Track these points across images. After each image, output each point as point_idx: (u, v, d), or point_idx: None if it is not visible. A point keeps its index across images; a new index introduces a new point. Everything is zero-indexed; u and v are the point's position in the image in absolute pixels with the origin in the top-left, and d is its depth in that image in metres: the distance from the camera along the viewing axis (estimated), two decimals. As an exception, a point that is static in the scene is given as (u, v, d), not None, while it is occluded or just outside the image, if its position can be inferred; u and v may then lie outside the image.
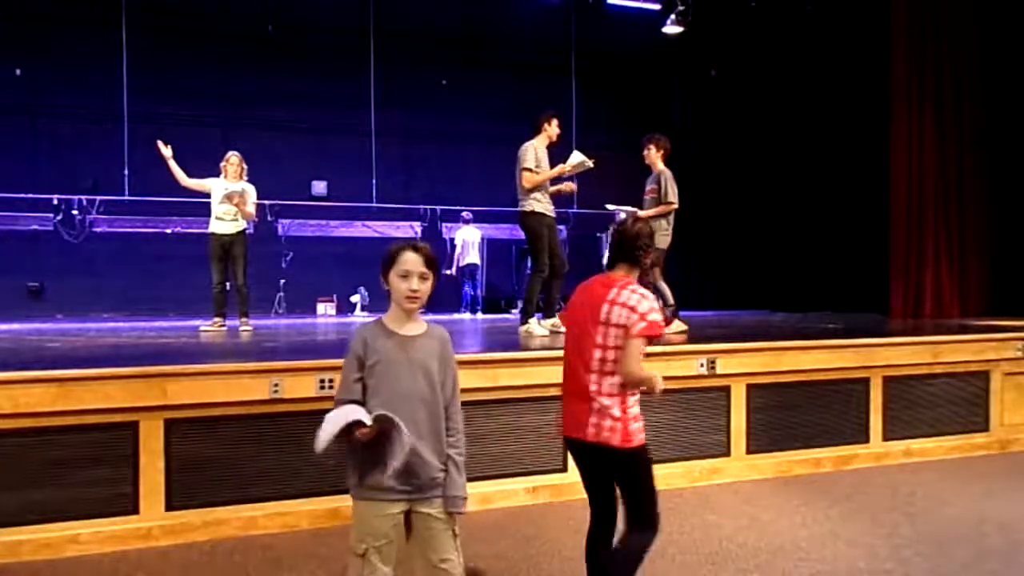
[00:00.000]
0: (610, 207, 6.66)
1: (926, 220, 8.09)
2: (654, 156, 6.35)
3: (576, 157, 5.91)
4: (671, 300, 6.24)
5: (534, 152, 5.84)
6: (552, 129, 6.00)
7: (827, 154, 10.34)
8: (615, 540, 2.59)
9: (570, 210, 12.04)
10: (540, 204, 5.85)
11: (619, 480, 2.58)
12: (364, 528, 2.21)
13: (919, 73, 8.14)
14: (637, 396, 2.56)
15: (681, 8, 11.09)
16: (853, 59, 9.72)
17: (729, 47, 12.19)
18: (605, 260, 11.99)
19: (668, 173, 6.23)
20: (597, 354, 2.53)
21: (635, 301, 2.54)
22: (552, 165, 5.94)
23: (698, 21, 11.35)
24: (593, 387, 2.51)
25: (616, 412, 2.49)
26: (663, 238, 6.19)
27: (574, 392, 2.58)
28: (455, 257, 11.66)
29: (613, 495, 2.60)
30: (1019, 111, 8.10)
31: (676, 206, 6.19)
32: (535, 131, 6.00)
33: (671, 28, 11.39)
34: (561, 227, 11.62)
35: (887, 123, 8.36)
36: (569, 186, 6.17)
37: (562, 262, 6.02)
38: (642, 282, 2.81)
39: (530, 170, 5.80)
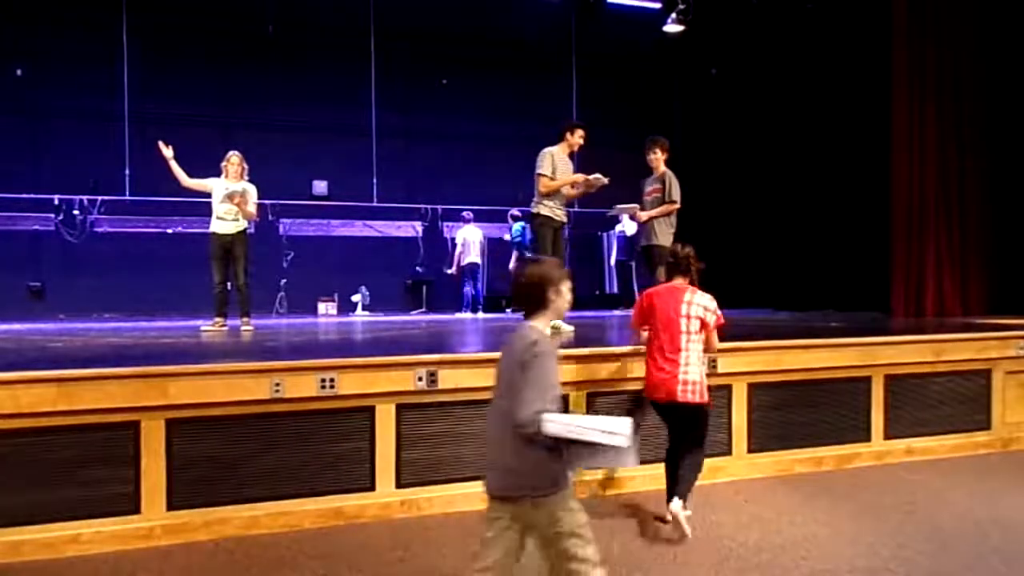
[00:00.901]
0: (616, 208, 6.67)
1: (927, 219, 8.08)
2: (657, 158, 6.38)
3: (595, 175, 6.05)
4: None
5: (551, 159, 6.01)
6: (574, 139, 6.16)
7: (828, 153, 10.32)
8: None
9: (570, 209, 12.04)
10: (547, 208, 6.03)
11: (693, 424, 3.68)
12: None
13: (919, 72, 8.13)
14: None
15: (681, 7, 11.09)
16: (853, 58, 9.70)
17: (729, 46, 12.18)
18: (613, 260, 12.08)
19: (671, 174, 6.28)
20: (683, 339, 3.64)
21: (707, 300, 3.72)
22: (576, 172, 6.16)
23: (698, 20, 11.35)
24: (683, 363, 3.60)
25: (701, 379, 3.64)
26: (667, 236, 6.22)
27: (663, 369, 3.64)
28: (455, 256, 11.64)
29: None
30: (1020, 110, 8.09)
31: (679, 206, 6.23)
32: (559, 138, 6.17)
33: (671, 27, 11.39)
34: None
35: (888, 122, 8.35)
36: (599, 179, 6.16)
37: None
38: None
39: (544, 175, 5.97)
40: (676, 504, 3.51)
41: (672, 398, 3.59)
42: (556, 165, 6.02)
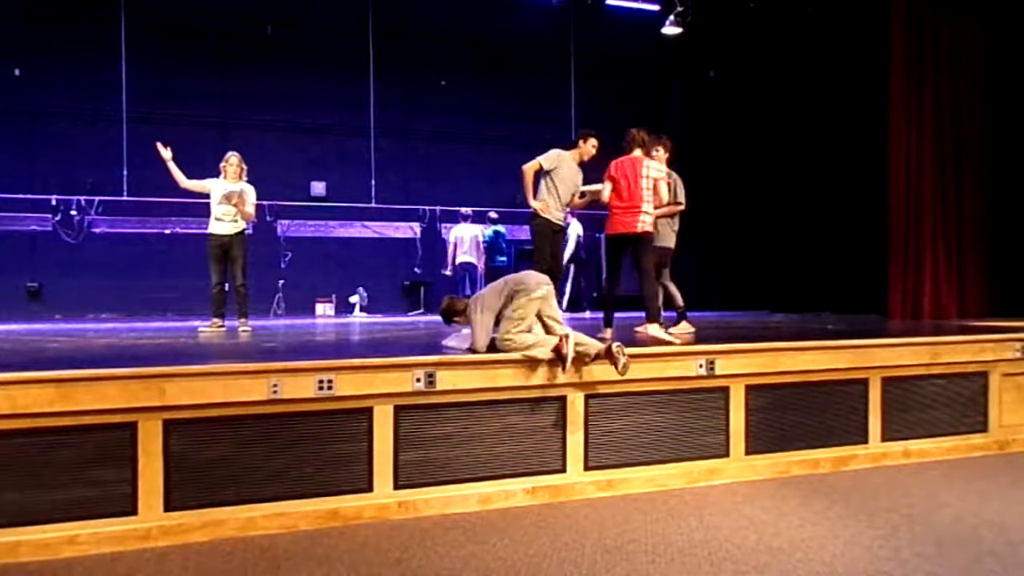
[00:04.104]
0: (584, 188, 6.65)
1: (924, 221, 8.09)
2: (659, 157, 6.37)
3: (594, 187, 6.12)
4: (680, 301, 6.30)
5: (556, 157, 6.04)
6: (586, 147, 6.15)
7: (826, 155, 10.35)
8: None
9: (569, 210, 12.03)
10: (547, 211, 6.08)
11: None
12: None
13: (917, 74, 8.15)
14: None
15: (680, 9, 11.11)
16: (852, 60, 9.73)
17: (728, 48, 12.20)
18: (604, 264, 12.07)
19: (675, 175, 6.27)
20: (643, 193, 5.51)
21: (658, 166, 5.80)
22: (587, 181, 6.24)
23: (697, 22, 11.36)
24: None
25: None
26: (670, 238, 6.21)
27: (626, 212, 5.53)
28: (450, 255, 11.51)
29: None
30: (1019, 111, 8.11)
31: (683, 207, 6.22)
32: (573, 144, 6.23)
33: (670, 29, 11.41)
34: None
35: (885, 124, 8.37)
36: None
37: (558, 266, 6.26)
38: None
39: (537, 163, 5.99)
40: (654, 328, 5.32)
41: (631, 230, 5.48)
42: (560, 166, 6.03)
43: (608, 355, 4.04)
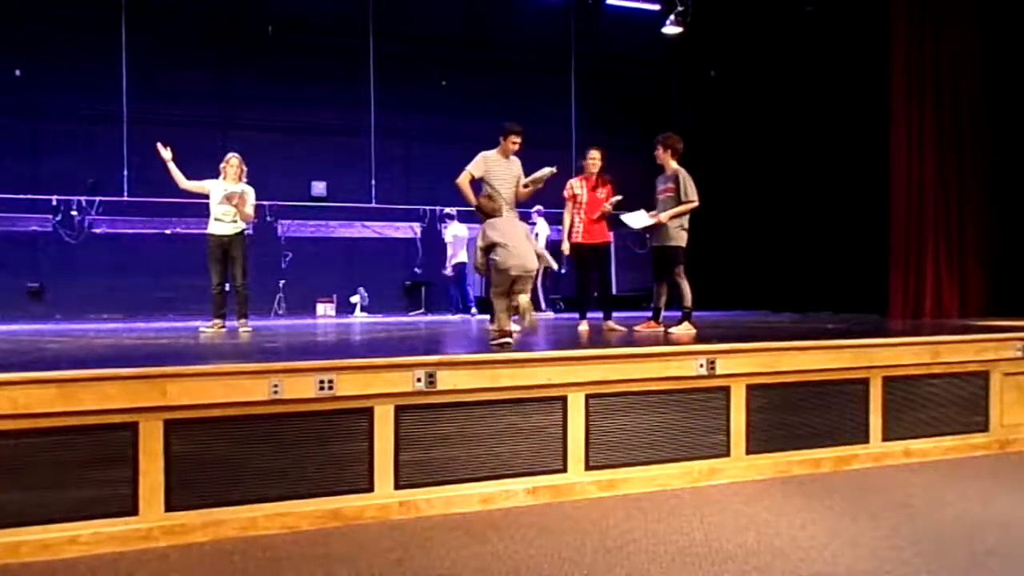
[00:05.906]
0: (627, 219, 6.51)
1: (926, 220, 8.09)
2: (663, 156, 6.34)
3: (540, 171, 6.08)
4: (687, 302, 6.24)
5: (483, 161, 6.11)
6: (506, 144, 6.18)
7: (827, 155, 10.34)
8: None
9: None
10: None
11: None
12: None
13: (918, 73, 8.14)
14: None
15: (680, 9, 11.11)
16: (853, 60, 9.73)
17: (729, 48, 12.20)
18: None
19: (684, 172, 6.21)
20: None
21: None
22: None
23: (698, 22, 11.36)
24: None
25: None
26: (682, 236, 6.18)
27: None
28: (448, 256, 11.49)
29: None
30: (1019, 111, 8.11)
31: (696, 204, 6.17)
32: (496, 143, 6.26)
33: (670, 29, 11.41)
34: (558, 227, 11.63)
35: (887, 123, 8.37)
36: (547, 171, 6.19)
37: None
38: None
39: (469, 172, 6.06)
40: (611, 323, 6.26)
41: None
42: (490, 168, 6.07)
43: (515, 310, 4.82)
